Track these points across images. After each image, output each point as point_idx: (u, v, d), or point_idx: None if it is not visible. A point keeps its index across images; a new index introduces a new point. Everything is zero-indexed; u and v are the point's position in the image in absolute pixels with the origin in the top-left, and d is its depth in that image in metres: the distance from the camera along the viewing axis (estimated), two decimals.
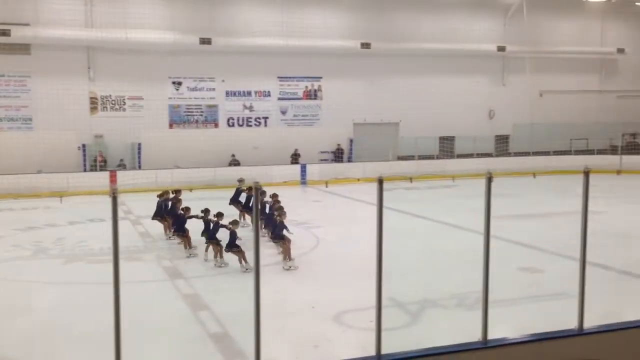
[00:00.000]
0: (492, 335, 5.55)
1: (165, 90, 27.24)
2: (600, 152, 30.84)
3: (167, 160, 25.60)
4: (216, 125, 28.15)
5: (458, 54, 30.54)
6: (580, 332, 5.62)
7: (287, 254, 12.16)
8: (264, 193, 14.30)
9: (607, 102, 33.72)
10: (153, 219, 15.38)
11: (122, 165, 25.64)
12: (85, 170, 25.16)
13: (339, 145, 29.22)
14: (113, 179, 23.90)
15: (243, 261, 11.72)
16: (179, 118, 27.65)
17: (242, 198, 16.16)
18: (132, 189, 22.02)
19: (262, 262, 5.10)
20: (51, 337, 8.46)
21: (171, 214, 14.53)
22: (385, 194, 5.46)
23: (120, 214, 5.04)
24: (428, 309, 9.38)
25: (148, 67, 26.34)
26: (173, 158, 25.86)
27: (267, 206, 14.17)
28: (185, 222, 13.66)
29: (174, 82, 27.42)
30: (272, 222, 12.84)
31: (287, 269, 11.87)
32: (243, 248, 11.81)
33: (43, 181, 22.59)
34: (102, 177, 23.70)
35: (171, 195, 15.28)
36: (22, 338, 8.40)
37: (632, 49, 33.66)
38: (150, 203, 20.77)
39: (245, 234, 13.79)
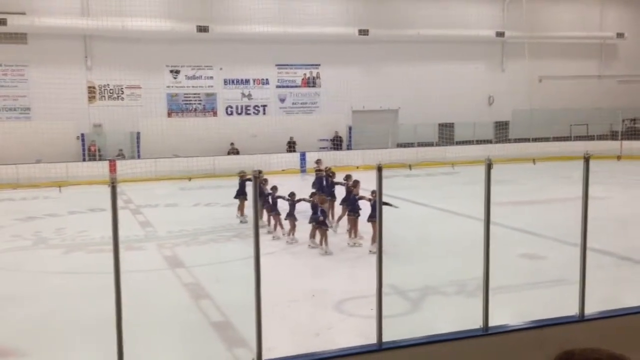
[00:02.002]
0: (493, 322, 5.56)
1: (163, 79, 27.15)
2: (600, 137, 30.81)
3: (166, 149, 25.56)
4: (215, 114, 28.08)
5: (457, 40, 30.42)
6: (581, 319, 5.63)
7: (355, 230, 12.50)
8: (265, 181, 14.30)
9: (607, 87, 33.64)
10: (235, 197, 15.28)
11: (121, 155, 25.60)
12: (84, 160, 25.14)
13: (337, 132, 29.17)
14: (112, 168, 23.89)
15: (324, 242, 11.91)
16: (177, 107, 27.58)
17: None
18: (131, 179, 22.02)
19: (262, 250, 5.11)
20: (52, 326, 8.47)
21: (261, 195, 14.24)
22: (384, 181, 5.45)
23: (120, 203, 5.04)
24: (429, 296, 9.40)
25: (146, 55, 26.23)
26: (172, 147, 25.82)
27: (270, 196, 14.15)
28: (276, 202, 13.51)
29: (171, 71, 27.33)
30: (349, 198, 13.01)
31: (352, 246, 12.36)
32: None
33: (42, 171, 22.58)
34: (102, 167, 23.70)
35: (248, 175, 15.02)
36: (23, 328, 8.42)
37: (632, 34, 33.52)
38: (148, 192, 20.84)
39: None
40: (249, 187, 14.46)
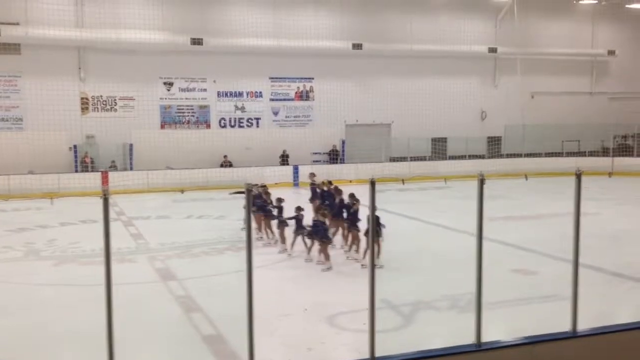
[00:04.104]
0: (486, 337, 5.56)
1: (156, 91, 27.15)
2: (592, 153, 30.99)
3: (158, 161, 25.51)
4: (208, 126, 28.08)
5: (450, 55, 30.63)
6: (573, 335, 5.64)
7: (357, 247, 12.45)
8: (268, 194, 14.32)
9: (598, 104, 33.91)
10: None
11: (113, 166, 25.53)
12: (76, 171, 25.03)
13: (334, 146, 29.23)
14: (105, 179, 23.80)
15: (325, 257, 11.88)
16: (170, 119, 27.56)
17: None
18: (123, 190, 21.95)
19: (256, 263, 5.09)
20: (43, 338, 8.39)
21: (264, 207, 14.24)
22: (377, 195, 5.46)
23: (112, 214, 5.02)
24: (421, 311, 9.38)
25: (139, 67, 26.26)
26: (165, 159, 25.78)
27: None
28: (282, 212, 13.70)
29: (165, 83, 27.33)
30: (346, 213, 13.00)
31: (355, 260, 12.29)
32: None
33: (34, 182, 22.45)
34: (94, 178, 23.61)
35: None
36: (13, 339, 8.33)
37: (623, 51, 33.87)
38: (140, 204, 20.78)
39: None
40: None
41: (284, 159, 27.99)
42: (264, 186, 14.96)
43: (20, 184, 22.32)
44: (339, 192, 14.02)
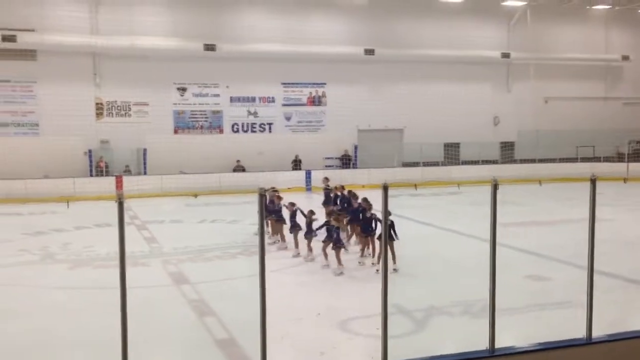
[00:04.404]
0: (499, 344, 5.53)
1: (170, 96, 27.33)
2: (607, 159, 30.74)
3: (172, 166, 25.65)
4: (221, 131, 28.20)
5: (462, 60, 30.55)
6: (588, 342, 5.60)
7: (372, 251, 12.54)
8: (279, 198, 14.37)
9: (613, 109, 33.66)
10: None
11: (127, 171, 25.71)
12: (91, 176, 25.23)
13: (346, 151, 29.24)
14: (119, 184, 23.96)
15: (338, 261, 11.89)
16: (183, 124, 27.72)
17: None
18: (137, 194, 22.07)
19: (270, 267, 5.11)
20: (57, 341, 8.46)
21: (276, 211, 14.35)
22: (390, 200, 5.46)
23: (126, 218, 5.06)
24: (434, 317, 9.35)
25: (153, 73, 26.46)
26: (178, 163, 25.91)
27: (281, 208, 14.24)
28: (295, 216, 13.75)
29: (178, 88, 27.51)
30: (358, 218, 13.09)
31: (370, 265, 12.31)
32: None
33: (50, 186, 22.64)
34: (108, 182, 23.77)
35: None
36: (28, 342, 8.41)
37: (637, 56, 33.65)
38: (154, 208, 20.90)
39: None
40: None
41: (297, 164, 28.03)
42: (275, 190, 14.99)
43: (36, 188, 22.53)
44: (354, 196, 14.03)
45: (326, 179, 17.47)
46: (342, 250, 12.26)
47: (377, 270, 11.72)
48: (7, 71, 24.86)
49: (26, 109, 25.34)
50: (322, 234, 12.54)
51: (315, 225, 12.99)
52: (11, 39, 24.12)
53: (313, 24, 28.27)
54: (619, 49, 33.58)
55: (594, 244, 5.74)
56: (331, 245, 12.10)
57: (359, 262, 12.54)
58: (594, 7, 32.50)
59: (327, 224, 12.35)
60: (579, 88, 33.00)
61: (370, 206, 12.76)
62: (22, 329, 8.95)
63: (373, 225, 12.58)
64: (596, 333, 5.69)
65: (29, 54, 25.04)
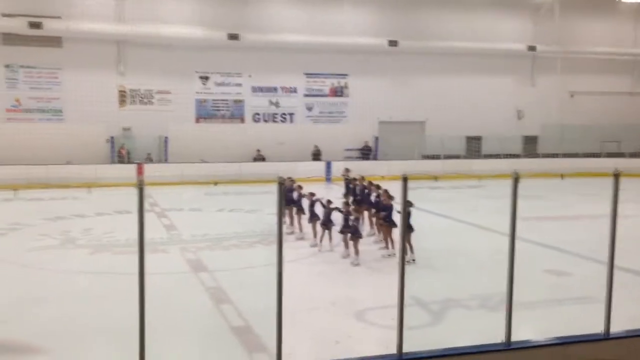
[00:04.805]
0: (516, 337, 5.49)
1: (192, 85, 27.47)
2: (633, 155, 30.24)
3: (193, 154, 25.80)
4: (242, 121, 28.29)
5: (487, 53, 30.21)
6: (606, 337, 5.53)
7: (387, 241, 12.53)
8: (300, 187, 14.36)
9: (639, 105, 33.07)
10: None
11: (149, 159, 25.94)
12: (113, 163, 25.49)
13: (366, 142, 29.15)
14: (140, 171, 24.18)
15: (355, 252, 11.94)
16: (205, 113, 27.85)
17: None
18: (158, 182, 22.24)
19: (288, 257, 5.11)
20: (76, 326, 8.58)
21: (297, 201, 14.37)
22: (409, 192, 5.43)
23: (146, 206, 5.10)
24: (451, 309, 9.31)
25: (176, 61, 26.60)
26: (199, 152, 26.06)
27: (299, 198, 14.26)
28: (314, 207, 13.77)
29: (201, 77, 27.63)
30: (379, 206, 13.18)
31: (388, 256, 12.30)
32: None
33: (72, 172, 22.93)
34: (129, 170, 23.98)
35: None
36: (48, 327, 8.54)
37: None
38: (174, 196, 21.06)
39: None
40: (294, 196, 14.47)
41: (317, 155, 27.99)
42: (292, 180, 14.95)
43: (58, 173, 22.81)
44: (377, 187, 13.98)
45: (347, 170, 17.45)
46: (360, 240, 12.25)
47: (389, 255, 11.74)
48: (33, 58, 25.18)
49: (51, 95, 25.66)
50: (340, 224, 12.55)
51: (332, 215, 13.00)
52: (37, 25, 24.39)
53: (337, 14, 28.16)
54: None
55: (615, 239, 5.67)
56: (349, 235, 12.10)
57: (382, 255, 12.48)
58: (623, 1, 31.90)
59: (344, 213, 12.36)
60: (605, 82, 32.47)
61: (391, 198, 12.74)
62: (45, 315, 9.07)
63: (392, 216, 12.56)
64: (615, 329, 5.62)
65: (54, 41, 25.33)
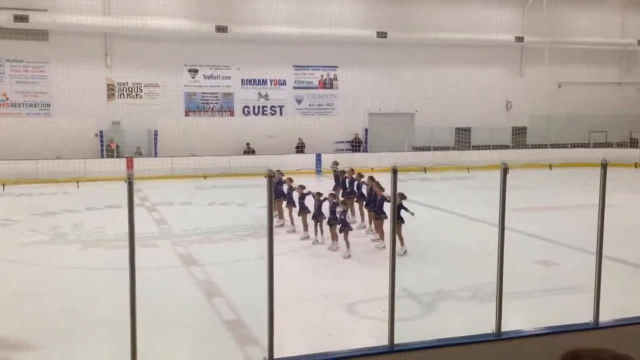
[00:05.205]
0: (506, 327, 5.53)
1: (181, 78, 27.33)
2: (620, 145, 30.47)
3: (182, 148, 25.72)
4: (232, 114, 28.20)
5: (475, 44, 30.25)
6: (595, 326, 5.59)
7: (381, 233, 12.51)
8: (290, 180, 14.36)
9: (627, 94, 33.24)
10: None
11: (138, 153, 25.82)
12: (102, 157, 25.36)
13: (356, 134, 29.15)
14: (130, 165, 24.07)
15: (346, 245, 11.93)
16: (194, 106, 27.73)
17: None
18: (148, 176, 22.16)
19: (279, 249, 5.12)
20: (67, 321, 8.56)
21: (286, 194, 14.30)
22: (399, 184, 5.44)
23: (136, 200, 5.08)
24: (441, 301, 9.37)
25: (164, 54, 26.43)
26: (189, 145, 25.98)
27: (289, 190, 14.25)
28: (304, 200, 13.76)
29: (190, 70, 27.49)
30: (372, 199, 13.17)
31: (381, 248, 12.28)
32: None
33: (61, 167, 22.80)
34: (119, 164, 23.86)
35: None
36: (39, 322, 8.52)
37: None
38: (164, 190, 20.99)
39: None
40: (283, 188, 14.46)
41: (300, 149, 27.84)
42: (280, 173, 14.91)
43: (48, 168, 22.68)
44: (370, 179, 13.99)
45: (335, 163, 17.47)
46: (350, 232, 12.28)
47: (383, 247, 11.80)
48: (19, 51, 24.93)
49: (38, 89, 25.44)
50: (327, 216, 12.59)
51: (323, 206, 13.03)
52: (24, 19, 24.14)
53: (325, 6, 28.07)
54: (635, 34, 33.07)
55: (603, 229, 5.71)
56: (338, 227, 12.13)
57: (377, 247, 12.52)
58: None
59: (330, 204, 12.41)
60: (593, 73, 32.59)
61: (379, 185, 12.82)
62: (35, 310, 9.04)
63: (384, 207, 12.61)
64: (604, 318, 5.68)
65: (41, 34, 25.08)
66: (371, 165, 25.21)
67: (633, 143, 30.59)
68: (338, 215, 12.16)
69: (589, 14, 32.30)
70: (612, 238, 6.35)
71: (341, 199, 13.62)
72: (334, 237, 12.29)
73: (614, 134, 31.00)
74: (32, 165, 22.60)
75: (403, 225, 11.67)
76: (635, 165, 27.68)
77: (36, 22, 24.46)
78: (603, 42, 32.28)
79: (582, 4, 31.95)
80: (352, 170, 15.75)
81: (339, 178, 16.08)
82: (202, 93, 27.75)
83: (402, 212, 11.78)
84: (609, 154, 26.08)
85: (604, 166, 5.62)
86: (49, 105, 25.55)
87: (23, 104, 25.34)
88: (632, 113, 31.36)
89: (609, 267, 6.51)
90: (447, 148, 29.26)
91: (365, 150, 28.89)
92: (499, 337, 5.37)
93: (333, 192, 13.83)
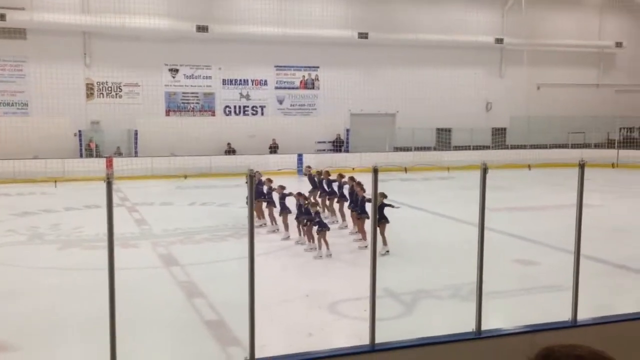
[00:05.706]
0: (486, 326, 5.58)
1: (161, 78, 27.15)
2: (597, 145, 30.88)
3: (163, 148, 25.55)
4: (213, 114, 28.08)
5: (456, 45, 30.48)
6: (574, 324, 5.66)
7: (363, 233, 12.47)
8: (269, 180, 14.32)
9: (605, 96, 33.71)
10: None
11: (118, 152, 25.60)
12: (81, 157, 25.09)
13: (338, 135, 29.19)
14: (109, 165, 23.86)
15: (324, 245, 11.87)
16: (175, 105, 27.57)
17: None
18: (128, 177, 21.99)
19: (260, 250, 5.11)
20: (46, 322, 8.46)
21: (267, 194, 14.23)
22: (380, 184, 5.46)
23: (116, 200, 5.04)
24: (422, 300, 9.41)
25: (144, 53, 26.24)
26: (169, 145, 25.82)
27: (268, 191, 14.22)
28: (284, 200, 13.76)
29: (170, 70, 27.33)
30: (354, 198, 13.17)
31: (364, 248, 12.14)
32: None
33: (39, 167, 22.53)
34: (98, 164, 23.65)
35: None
36: (16, 323, 8.40)
37: (630, 43, 33.64)
38: (144, 190, 20.84)
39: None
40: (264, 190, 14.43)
41: (273, 149, 27.68)
42: (259, 173, 14.81)
43: (25, 168, 22.40)
44: (351, 179, 13.99)
45: (308, 167, 17.45)
46: (327, 232, 12.26)
47: (365, 247, 11.79)
48: None
49: (16, 88, 25.12)
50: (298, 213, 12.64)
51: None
52: (1, 17, 23.83)
53: (307, 6, 28.08)
54: (612, 36, 33.57)
55: (581, 229, 5.78)
56: (315, 228, 12.11)
57: (359, 247, 12.51)
58: None
59: (297, 202, 12.45)
60: (571, 75, 33.01)
61: (360, 185, 12.86)
62: (13, 310, 8.92)
63: (365, 207, 12.65)
64: (582, 316, 5.75)
65: (18, 33, 24.77)
66: (352, 165, 25.29)
67: (610, 144, 31.02)
68: (313, 215, 12.14)
69: (567, 16, 32.71)
70: (590, 238, 6.43)
71: (313, 200, 13.62)
72: (310, 239, 12.29)
73: (592, 135, 31.40)
74: (10, 165, 22.31)
75: (387, 225, 11.71)
76: (613, 165, 28.09)
77: (14, 20, 24.17)
78: (581, 44, 32.72)
79: (560, 7, 32.33)
80: (328, 172, 15.65)
81: (315, 181, 16.06)
82: (183, 93, 27.60)
83: (387, 210, 11.82)
84: (587, 155, 26.41)
85: (582, 166, 5.69)
86: (26, 104, 25.24)
87: (0, 103, 25.00)
88: (609, 114, 31.78)
89: (587, 266, 6.60)
90: (428, 148, 29.42)
91: (346, 151, 28.96)
92: (479, 335, 5.42)
93: (305, 193, 13.76)
